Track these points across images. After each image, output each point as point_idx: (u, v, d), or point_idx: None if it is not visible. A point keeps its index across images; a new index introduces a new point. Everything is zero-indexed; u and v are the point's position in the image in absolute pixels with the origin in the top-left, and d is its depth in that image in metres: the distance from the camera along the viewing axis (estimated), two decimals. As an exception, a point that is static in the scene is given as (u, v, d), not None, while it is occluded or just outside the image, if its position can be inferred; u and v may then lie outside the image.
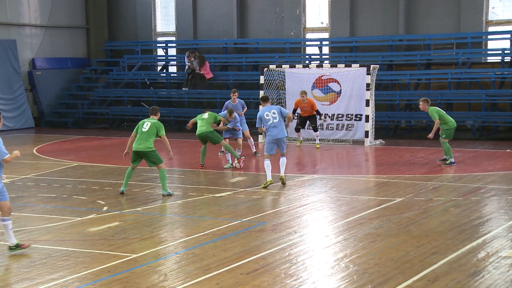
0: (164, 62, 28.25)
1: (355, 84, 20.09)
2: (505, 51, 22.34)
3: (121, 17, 29.12)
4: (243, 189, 12.92)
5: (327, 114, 20.51)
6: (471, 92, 21.77)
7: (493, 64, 23.09)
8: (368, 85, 19.50)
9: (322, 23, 25.91)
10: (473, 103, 21.79)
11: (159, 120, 12.42)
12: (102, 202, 11.68)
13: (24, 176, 14.49)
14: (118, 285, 7.34)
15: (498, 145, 19.23)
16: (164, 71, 28.20)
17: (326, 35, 25.74)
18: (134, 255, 8.39)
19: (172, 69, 28.48)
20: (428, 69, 23.34)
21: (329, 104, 20.58)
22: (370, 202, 11.67)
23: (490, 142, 19.95)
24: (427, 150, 18.05)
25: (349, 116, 20.30)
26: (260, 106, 14.43)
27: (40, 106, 26.82)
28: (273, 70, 21.08)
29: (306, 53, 25.94)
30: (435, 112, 15.23)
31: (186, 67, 25.46)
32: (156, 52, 28.89)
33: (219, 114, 16.09)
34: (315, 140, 19.63)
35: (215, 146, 15.91)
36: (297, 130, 19.77)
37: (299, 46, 26.06)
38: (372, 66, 19.75)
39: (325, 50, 25.76)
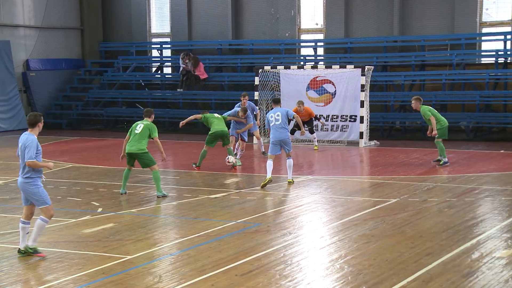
0: (158, 63, 28.20)
1: (349, 85, 20.11)
2: (499, 52, 22.41)
3: (116, 18, 29.07)
4: (238, 190, 12.91)
5: (322, 115, 20.52)
6: (465, 93, 21.82)
7: (487, 65, 23.15)
8: (362, 86, 19.52)
9: (317, 24, 25.92)
10: (467, 104, 21.84)
11: (153, 122, 12.42)
12: (97, 204, 11.66)
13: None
14: (113, 287, 7.33)
15: (492, 146, 19.28)
16: (159, 72, 28.16)
17: (321, 36, 25.76)
18: (129, 257, 8.38)
19: (167, 70, 28.45)
20: (422, 70, 23.39)
21: (324, 105, 20.60)
22: (364, 203, 11.68)
23: (484, 143, 20.00)
24: (421, 151, 18.10)
25: (344, 117, 20.32)
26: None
27: (34, 108, 26.73)
28: (268, 71, 21.07)
29: (301, 54, 25.94)
30: (427, 110, 15.26)
31: (181, 68, 25.44)
32: (151, 53, 28.84)
33: (225, 114, 16.21)
34: (311, 142, 19.63)
35: (214, 149, 15.81)
36: (292, 132, 19.78)
37: (294, 47, 26.07)
38: (366, 67, 19.77)
39: (320, 51, 25.78)
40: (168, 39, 28.31)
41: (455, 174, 14.46)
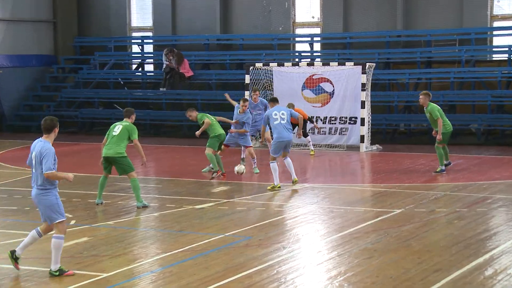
0: (139, 60, 28.16)
1: (349, 84, 20.12)
2: (512, 48, 22.50)
3: (92, 10, 28.99)
4: (226, 200, 12.86)
5: (319, 117, 20.50)
6: (476, 92, 21.87)
7: (499, 62, 23.23)
8: (363, 85, 19.54)
9: (313, 17, 25.94)
10: (478, 104, 21.89)
11: (133, 123, 12.33)
12: (70, 215, 11.55)
13: (-18, 186, 14.33)
14: (87, 308, 7.23)
15: (505, 150, 19.33)
16: (140, 69, 28.11)
17: (317, 30, 25.77)
18: (105, 274, 8.30)
19: (149, 67, 28.39)
20: (428, 67, 23.44)
21: (321, 106, 20.59)
22: (366, 214, 11.65)
23: (496, 147, 20.04)
24: (428, 156, 18.08)
25: (343, 119, 20.32)
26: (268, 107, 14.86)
27: (0, 108, 26.56)
28: (260, 69, 21.08)
29: (296, 50, 25.95)
30: (436, 110, 15.15)
31: (164, 65, 25.39)
32: (131, 49, 28.78)
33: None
34: (306, 146, 19.58)
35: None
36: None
37: (288, 42, 26.06)
38: (367, 64, 19.80)
39: (317, 46, 25.80)
40: (150, 34, 28.25)
41: (466, 182, 14.46)
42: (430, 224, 10.76)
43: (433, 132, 15.48)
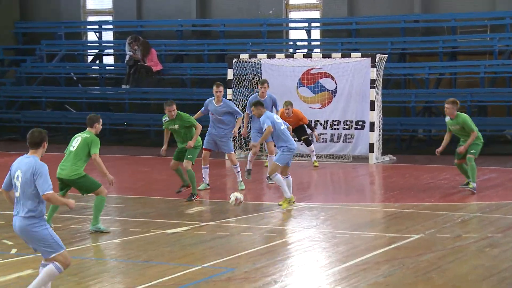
0: (97, 51, 28.17)
1: (355, 81, 20.19)
2: (556, 36, 22.70)
3: (38, -11, 29.00)
4: (204, 223, 12.84)
5: (318, 121, 20.53)
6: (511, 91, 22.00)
7: (540, 53, 23.41)
8: (373, 81, 19.60)
9: (311, -2, 26.09)
10: (514, 106, 22.03)
11: (97, 134, 12.07)
12: (10, 243, 11.51)
13: None
14: None
15: (547, 162, 19.46)
16: (97, 62, 28.10)
17: (316, 14, 25.88)
18: (54, 316, 8.27)
19: (108, 59, 28.41)
20: (453, 60, 23.57)
21: (321, 107, 20.63)
22: (376, 240, 11.67)
23: (537, 158, 20.18)
24: (452, 169, 18.07)
25: (348, 123, 20.36)
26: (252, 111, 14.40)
27: None
28: (245, 61, 21.09)
29: (290, 38, 26.02)
30: (469, 121, 14.96)
31: (127, 57, 25.40)
32: (86, 37, 28.80)
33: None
34: (309, 157, 19.53)
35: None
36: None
37: (280, 29, 26.14)
38: (378, 56, 19.87)
39: (315, 34, 25.88)
40: (109, 18, 28.28)
41: (499, 201, 14.52)
42: (456, 253, 10.79)
43: (461, 149, 15.17)
